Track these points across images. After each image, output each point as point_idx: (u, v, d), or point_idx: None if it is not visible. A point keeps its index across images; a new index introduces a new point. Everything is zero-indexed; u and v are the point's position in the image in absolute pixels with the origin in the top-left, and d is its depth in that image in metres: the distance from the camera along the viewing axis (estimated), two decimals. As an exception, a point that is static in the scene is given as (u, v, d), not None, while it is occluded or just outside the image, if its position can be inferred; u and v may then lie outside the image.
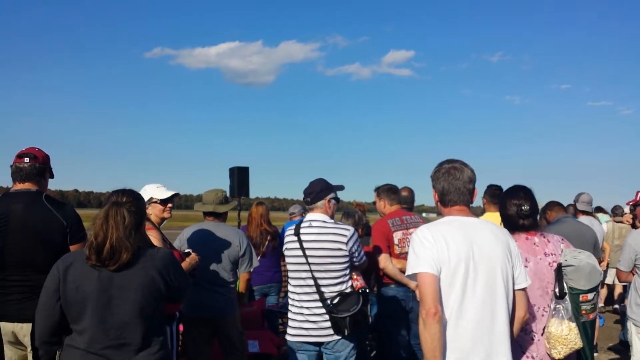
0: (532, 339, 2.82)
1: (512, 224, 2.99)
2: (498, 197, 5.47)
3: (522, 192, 3.02)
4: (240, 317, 4.60)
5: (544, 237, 2.98)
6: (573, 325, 2.77)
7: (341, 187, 3.89)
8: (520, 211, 2.95)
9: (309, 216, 3.77)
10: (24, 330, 3.05)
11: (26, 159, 3.32)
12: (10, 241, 3.17)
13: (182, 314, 4.00)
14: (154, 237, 3.58)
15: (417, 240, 2.47)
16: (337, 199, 3.83)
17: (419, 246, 2.45)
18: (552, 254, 2.92)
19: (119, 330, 2.34)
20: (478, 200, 5.40)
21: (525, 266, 2.80)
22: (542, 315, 2.86)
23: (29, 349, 3.14)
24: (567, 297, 2.82)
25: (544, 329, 2.84)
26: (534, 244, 2.93)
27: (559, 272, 2.85)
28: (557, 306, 2.81)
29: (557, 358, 2.77)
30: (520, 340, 2.80)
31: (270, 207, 6.61)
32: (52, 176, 3.53)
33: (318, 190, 3.74)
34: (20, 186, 3.33)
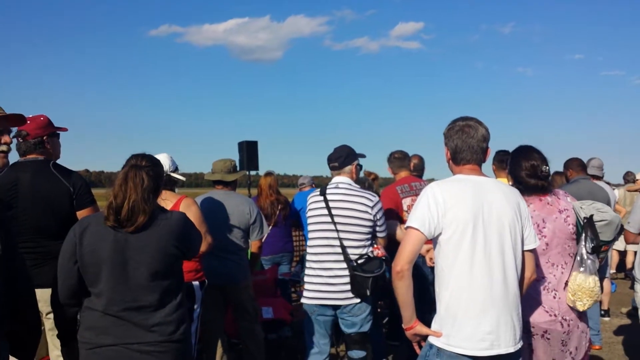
0: (554, 297, 2.84)
1: (528, 186, 2.94)
2: (506, 162, 5.47)
3: (536, 153, 2.98)
4: (253, 285, 4.65)
5: (554, 195, 2.98)
6: (597, 278, 2.84)
7: (363, 155, 3.93)
8: (540, 172, 2.91)
9: (336, 179, 3.80)
10: (37, 295, 3.09)
11: (20, 139, 3.35)
12: (21, 209, 3.22)
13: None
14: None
15: (424, 197, 2.46)
16: (360, 166, 3.90)
17: (423, 204, 2.44)
18: (565, 210, 2.93)
19: (135, 293, 2.36)
20: (488, 167, 5.39)
21: (544, 227, 2.82)
22: (562, 273, 2.88)
23: (44, 314, 3.19)
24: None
25: (565, 284, 2.87)
26: (548, 203, 2.92)
27: (592, 226, 2.87)
28: (586, 260, 2.85)
29: (581, 310, 2.82)
30: (544, 300, 2.82)
31: (279, 184, 6.61)
32: (61, 130, 3.57)
33: (346, 155, 3.79)
34: (28, 156, 3.38)
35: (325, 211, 3.66)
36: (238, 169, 4.76)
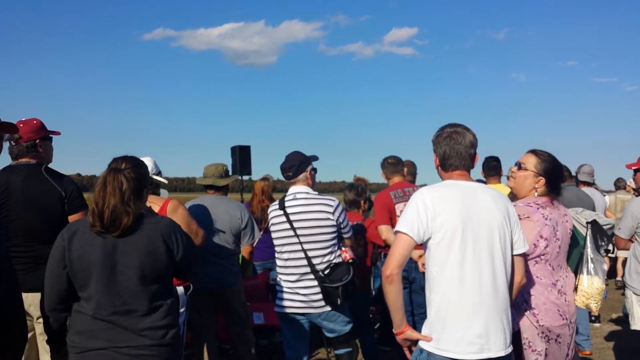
0: (565, 301, 2.89)
1: (559, 190, 3.03)
2: (495, 168, 5.50)
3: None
4: (245, 290, 4.64)
5: (557, 200, 3.03)
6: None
7: (316, 158, 3.87)
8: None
9: (292, 189, 3.75)
10: (28, 300, 3.08)
11: (12, 142, 3.35)
12: (13, 213, 3.22)
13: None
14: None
15: (413, 202, 2.47)
16: (315, 170, 3.83)
17: (412, 209, 2.45)
18: (565, 214, 3.00)
19: (124, 297, 2.35)
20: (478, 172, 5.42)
21: (557, 230, 2.88)
22: (567, 276, 2.94)
23: (35, 318, 3.18)
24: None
25: (575, 288, 2.96)
26: (556, 207, 2.98)
27: (601, 229, 2.99)
28: (596, 262, 2.97)
29: (595, 310, 3.00)
30: (559, 304, 2.85)
31: (273, 188, 6.52)
32: (54, 134, 3.57)
33: (298, 164, 3.72)
34: (20, 159, 3.38)
35: (287, 225, 3.62)
36: (230, 173, 4.75)
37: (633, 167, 4.51)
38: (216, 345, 4.59)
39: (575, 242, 3.03)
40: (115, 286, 2.35)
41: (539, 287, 2.82)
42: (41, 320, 2.99)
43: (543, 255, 2.84)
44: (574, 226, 3.05)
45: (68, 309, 2.47)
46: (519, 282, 2.61)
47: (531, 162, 2.98)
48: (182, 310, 3.72)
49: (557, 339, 2.82)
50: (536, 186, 2.95)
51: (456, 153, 2.55)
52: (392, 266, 2.39)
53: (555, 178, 2.99)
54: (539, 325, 2.80)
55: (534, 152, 3.02)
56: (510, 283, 2.53)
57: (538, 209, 2.88)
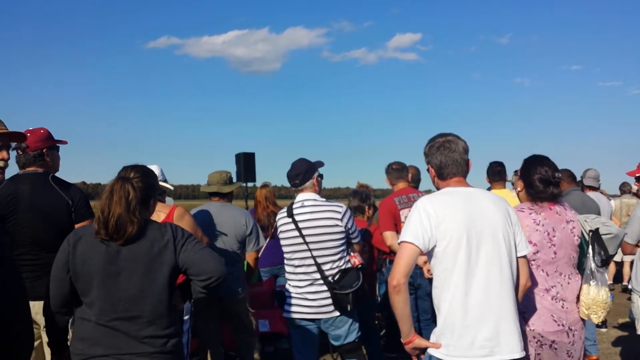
0: (562, 307, 2.86)
1: (542, 193, 2.95)
2: (499, 174, 5.49)
3: (547, 160, 3.00)
4: (250, 297, 4.63)
5: (562, 206, 3.01)
6: (607, 289, 2.93)
7: (321, 164, 3.88)
8: (553, 178, 2.94)
9: (300, 197, 3.75)
10: (35, 308, 3.10)
11: (19, 151, 3.38)
12: (20, 221, 3.24)
13: None
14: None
15: (416, 212, 2.47)
16: (321, 176, 3.84)
17: (415, 218, 2.45)
18: (571, 221, 2.97)
19: (127, 303, 2.36)
20: (476, 177, 5.42)
21: (554, 236, 2.86)
22: (568, 283, 2.91)
23: (41, 326, 3.19)
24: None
25: (577, 297, 2.92)
26: (557, 213, 2.95)
27: (599, 239, 2.94)
28: (595, 272, 2.92)
29: (596, 322, 2.93)
30: (552, 309, 2.83)
31: (277, 195, 6.54)
32: (61, 143, 3.60)
33: (305, 171, 3.73)
34: (27, 168, 3.40)
35: (296, 232, 3.62)
36: (234, 180, 4.77)
37: (636, 175, 4.50)
38: (222, 352, 4.59)
39: (582, 250, 3.01)
40: (118, 293, 2.36)
41: (530, 293, 2.80)
42: None
43: (533, 260, 2.84)
44: (582, 233, 3.02)
45: (70, 313, 2.49)
46: (524, 285, 2.61)
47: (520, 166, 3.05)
48: (186, 317, 3.73)
49: (553, 345, 2.80)
50: (518, 189, 2.98)
51: (452, 161, 2.57)
52: (398, 276, 2.39)
53: (528, 182, 2.95)
54: (530, 330, 2.79)
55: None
56: (515, 285, 2.53)
57: (530, 214, 2.88)
